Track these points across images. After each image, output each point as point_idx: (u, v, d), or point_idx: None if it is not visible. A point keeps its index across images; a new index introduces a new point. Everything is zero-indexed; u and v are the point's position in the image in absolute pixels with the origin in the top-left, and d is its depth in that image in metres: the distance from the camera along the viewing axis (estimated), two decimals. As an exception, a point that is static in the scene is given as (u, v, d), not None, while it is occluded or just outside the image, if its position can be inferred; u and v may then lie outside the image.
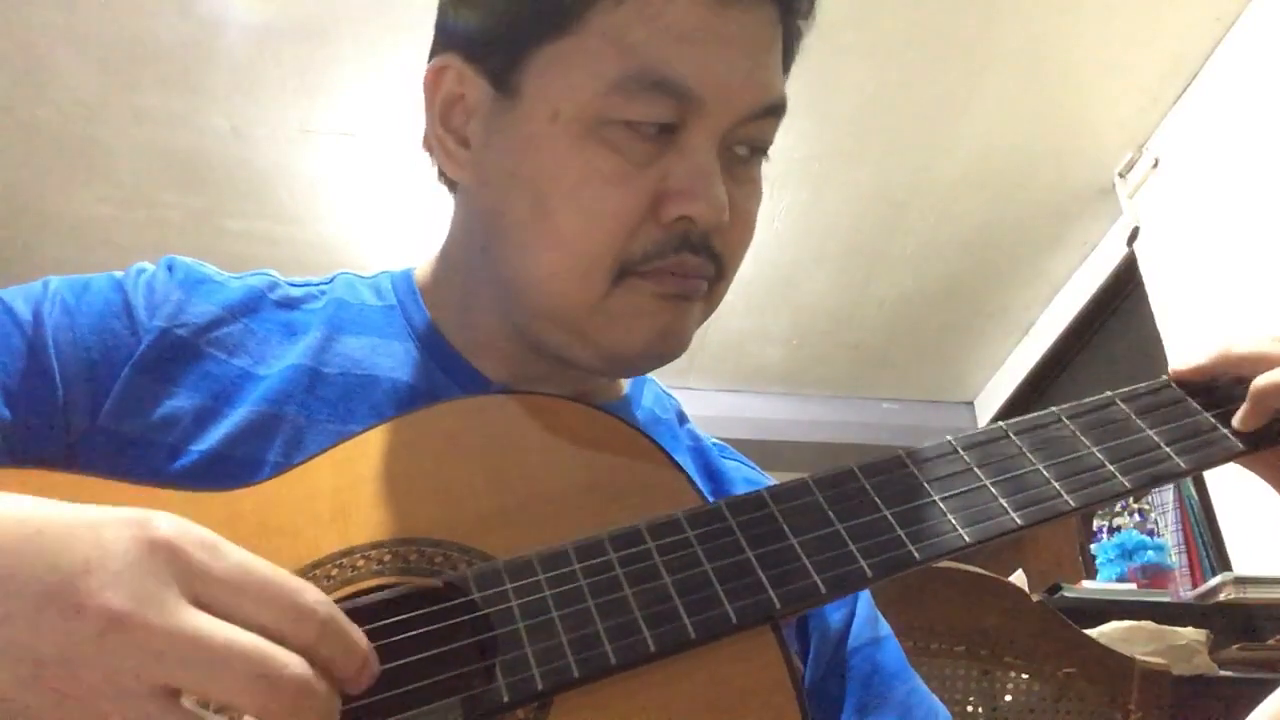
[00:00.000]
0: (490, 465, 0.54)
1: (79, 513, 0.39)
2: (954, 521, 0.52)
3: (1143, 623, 1.75)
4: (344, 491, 0.52)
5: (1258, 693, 0.59)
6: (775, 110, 0.62)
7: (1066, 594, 2.04)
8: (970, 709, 1.20)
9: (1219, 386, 0.59)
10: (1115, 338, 3.45)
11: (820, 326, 3.86)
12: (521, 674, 0.44)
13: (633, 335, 0.61)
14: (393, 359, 0.66)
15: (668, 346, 0.62)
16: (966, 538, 0.51)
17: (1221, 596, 2.15)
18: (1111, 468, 0.55)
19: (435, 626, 0.46)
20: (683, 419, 0.76)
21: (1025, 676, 1.19)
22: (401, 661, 0.44)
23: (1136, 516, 2.74)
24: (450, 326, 0.68)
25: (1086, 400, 0.59)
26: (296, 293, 0.69)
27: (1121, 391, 0.59)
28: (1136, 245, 3.09)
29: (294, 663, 0.37)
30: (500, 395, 0.61)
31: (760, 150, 0.64)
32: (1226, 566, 2.55)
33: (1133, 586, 2.36)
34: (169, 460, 0.58)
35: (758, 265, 3.39)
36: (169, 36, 2.62)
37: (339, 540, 0.50)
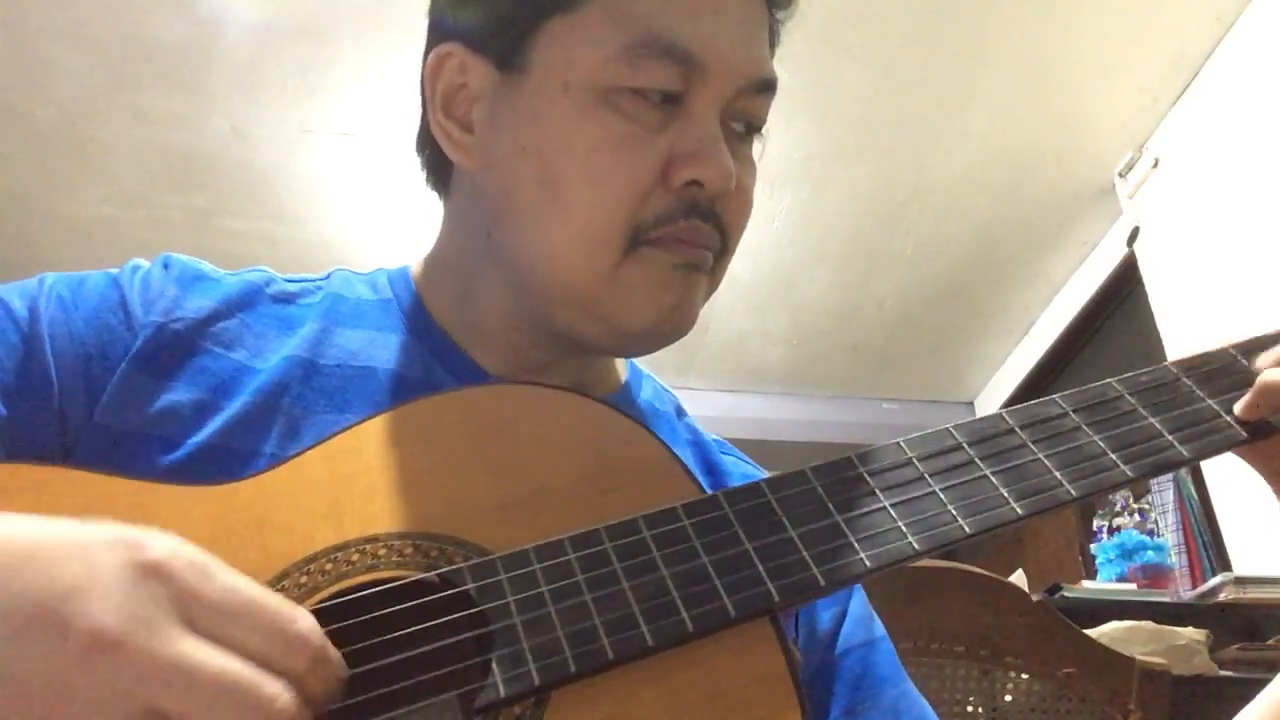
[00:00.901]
0: (486, 457, 0.53)
1: (70, 532, 0.38)
2: (954, 512, 0.51)
3: (1143, 623, 1.75)
4: (339, 485, 0.52)
5: (1257, 693, 0.59)
6: (770, 86, 0.64)
7: (1066, 594, 2.04)
8: (970, 709, 1.20)
9: (1221, 375, 0.59)
10: (1115, 338, 3.45)
11: (820, 326, 3.86)
12: (518, 669, 0.44)
13: (644, 309, 0.61)
14: (389, 351, 0.66)
15: (677, 321, 0.63)
16: (967, 528, 0.51)
17: (1221, 596, 2.15)
18: (1113, 456, 0.54)
19: (431, 621, 0.46)
20: (681, 413, 0.75)
21: (1025, 676, 1.19)
22: (397, 657, 0.44)
23: (1136, 516, 2.74)
24: (447, 318, 0.68)
25: (1087, 388, 0.58)
26: (293, 288, 0.69)
27: (1123, 378, 0.58)
28: (1136, 245, 3.09)
29: (284, 697, 0.37)
30: (497, 386, 0.61)
31: (755, 129, 0.65)
32: (1226, 566, 2.55)
33: (1133, 586, 2.36)
34: (165, 453, 0.57)
35: (758, 265, 3.39)
36: (169, 36, 2.62)
37: (334, 534, 0.50)
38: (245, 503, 0.51)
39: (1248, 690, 0.57)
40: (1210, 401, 0.57)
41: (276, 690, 0.37)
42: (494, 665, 0.44)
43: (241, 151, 3.01)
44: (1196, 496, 2.76)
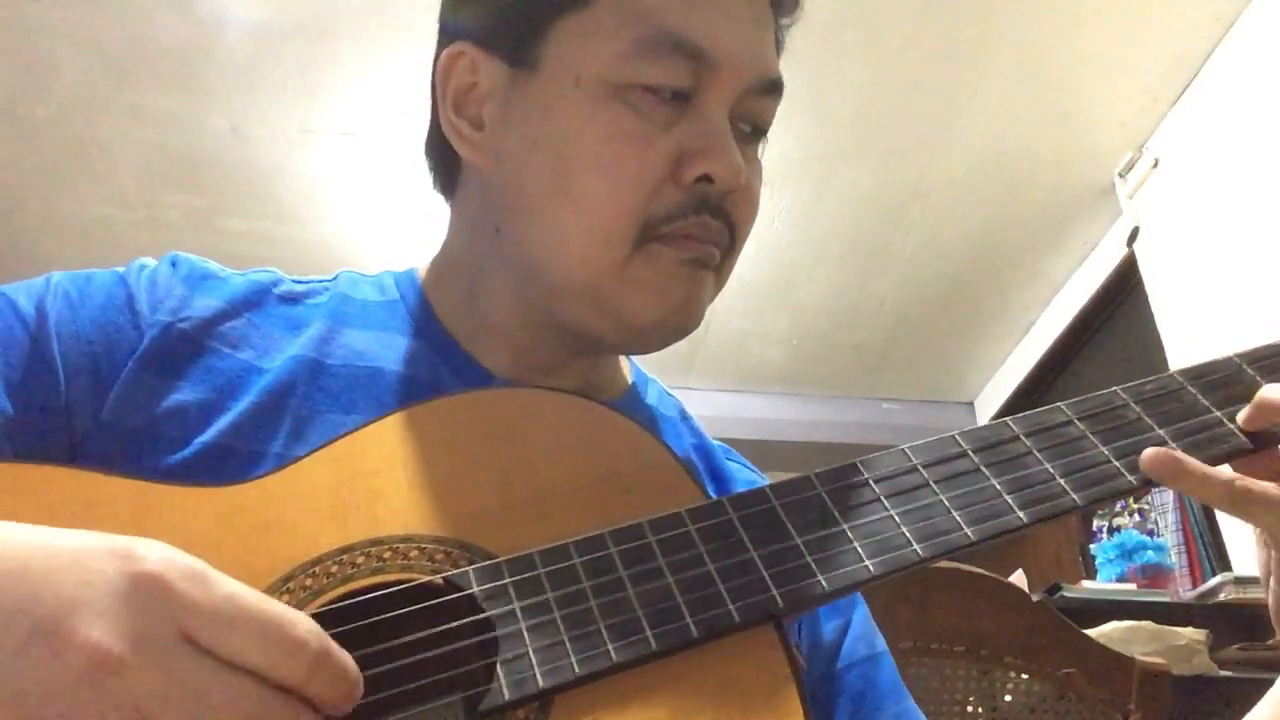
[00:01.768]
0: (492, 461, 0.54)
1: (63, 542, 0.38)
2: (959, 519, 0.51)
3: (1143, 623, 1.75)
4: (344, 487, 0.52)
5: (1257, 693, 0.59)
6: (776, 88, 0.65)
7: (1066, 594, 2.04)
8: (970, 709, 1.20)
9: (1226, 384, 0.59)
10: (1115, 338, 3.45)
11: (820, 326, 3.86)
12: (523, 673, 0.44)
13: (652, 304, 0.62)
14: (395, 352, 0.66)
15: (684, 318, 0.63)
16: (971, 535, 0.51)
17: (1221, 596, 2.15)
18: (1118, 464, 0.54)
19: (436, 624, 0.46)
20: (685, 417, 0.76)
21: (1025, 676, 1.19)
22: (402, 660, 0.44)
23: (1136, 516, 2.74)
24: (454, 320, 0.68)
25: (1092, 395, 0.58)
26: (300, 288, 0.69)
27: (1127, 386, 0.58)
28: (1136, 245, 3.09)
29: (288, 708, 0.37)
30: (502, 389, 0.61)
31: (761, 130, 0.66)
32: (1226, 566, 2.55)
33: (1133, 586, 2.36)
34: (172, 453, 0.57)
35: (758, 265, 3.39)
36: (169, 36, 2.61)
37: (340, 537, 0.50)
38: (251, 504, 0.51)
39: (1248, 690, 0.57)
40: (1216, 411, 0.57)
41: (281, 709, 0.37)
42: (499, 669, 0.44)
43: (241, 151, 3.00)
44: (1196, 496, 2.76)
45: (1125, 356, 3.35)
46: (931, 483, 0.53)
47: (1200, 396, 0.58)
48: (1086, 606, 2.00)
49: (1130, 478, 0.54)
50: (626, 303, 0.61)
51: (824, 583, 0.49)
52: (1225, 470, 0.54)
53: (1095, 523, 2.85)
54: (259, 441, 0.59)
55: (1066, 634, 1.19)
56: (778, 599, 0.48)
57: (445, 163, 0.70)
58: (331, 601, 0.47)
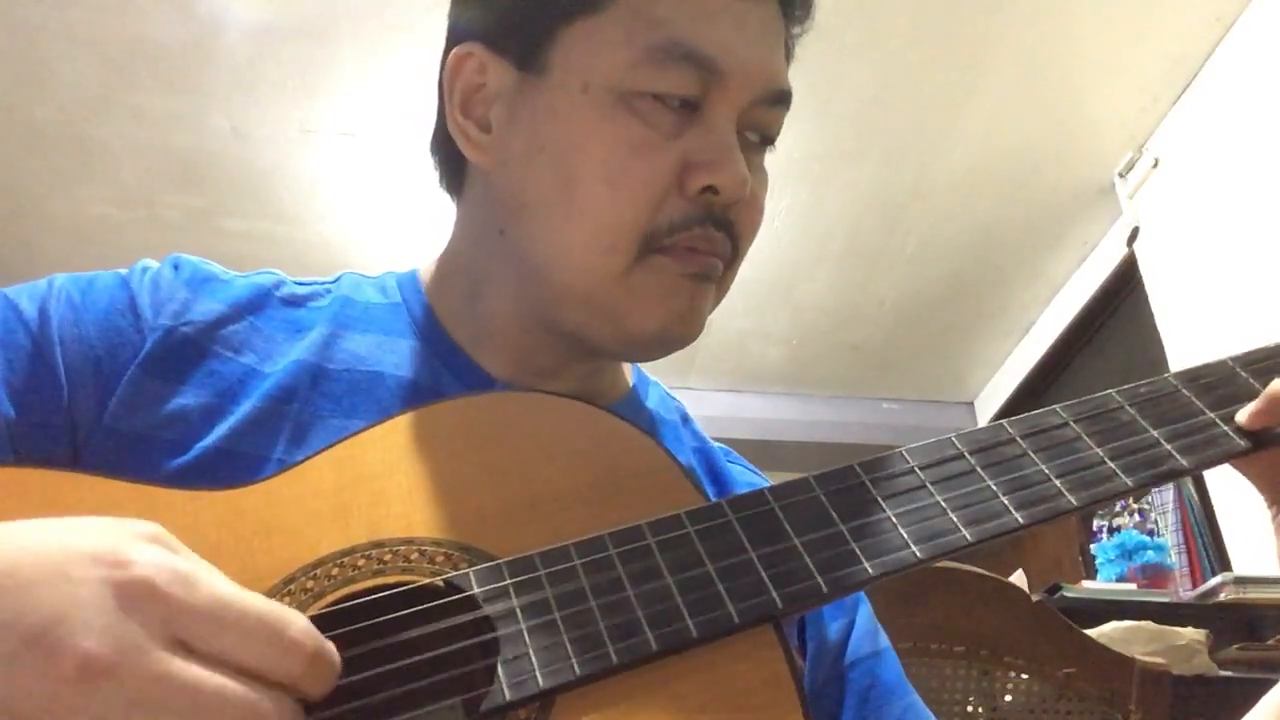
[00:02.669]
0: (492, 463, 0.54)
1: (48, 544, 0.38)
2: (956, 520, 0.52)
3: (1143, 623, 1.75)
4: (345, 490, 0.52)
5: (1257, 693, 0.59)
6: (785, 99, 0.65)
7: (1066, 594, 2.04)
8: (970, 709, 1.20)
9: (1221, 386, 0.59)
10: (1115, 338, 3.45)
11: (820, 326, 3.86)
12: (523, 673, 0.44)
13: (653, 315, 0.62)
14: (397, 356, 0.66)
15: (684, 329, 0.63)
16: (969, 537, 0.51)
17: (1221, 596, 2.15)
18: (1113, 465, 0.54)
19: (436, 626, 0.46)
20: (686, 420, 0.76)
21: (1025, 676, 1.19)
22: (402, 662, 0.44)
23: (1136, 516, 2.74)
24: (456, 323, 0.68)
25: (1088, 398, 0.58)
26: (302, 291, 0.69)
27: (1123, 389, 0.59)
28: (1136, 245, 3.09)
29: (281, 710, 0.37)
30: (503, 393, 0.61)
31: (768, 140, 0.66)
32: (1226, 566, 2.55)
33: (1133, 586, 2.36)
34: (174, 457, 0.57)
35: (758, 265, 3.39)
36: (169, 36, 2.62)
37: (341, 539, 0.50)
38: (252, 508, 0.51)
39: (1248, 690, 0.57)
40: (1210, 413, 0.57)
41: (271, 705, 0.37)
42: (499, 670, 0.45)
43: (241, 151, 3.01)
44: (1196, 497, 2.77)
45: (1125, 356, 3.35)
46: (929, 484, 0.53)
47: (1195, 399, 0.58)
48: (1086, 606, 2.00)
49: (1125, 479, 0.54)
50: (627, 312, 0.61)
51: (823, 584, 0.49)
52: None
53: (1095, 523, 2.85)
54: (261, 446, 0.59)
55: (1066, 634, 1.19)
56: (776, 600, 0.48)
57: (452, 161, 0.69)
58: (332, 603, 0.47)
